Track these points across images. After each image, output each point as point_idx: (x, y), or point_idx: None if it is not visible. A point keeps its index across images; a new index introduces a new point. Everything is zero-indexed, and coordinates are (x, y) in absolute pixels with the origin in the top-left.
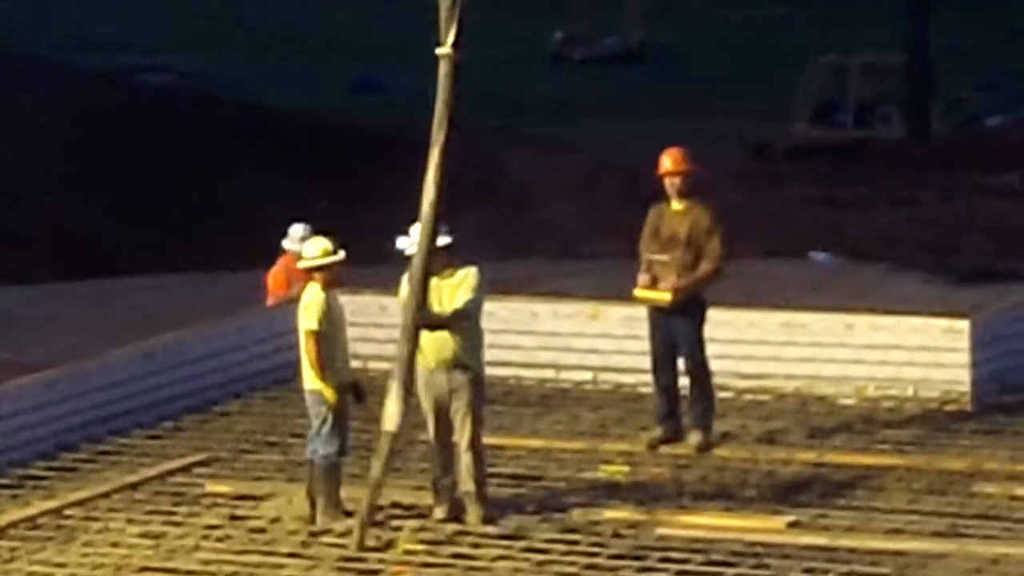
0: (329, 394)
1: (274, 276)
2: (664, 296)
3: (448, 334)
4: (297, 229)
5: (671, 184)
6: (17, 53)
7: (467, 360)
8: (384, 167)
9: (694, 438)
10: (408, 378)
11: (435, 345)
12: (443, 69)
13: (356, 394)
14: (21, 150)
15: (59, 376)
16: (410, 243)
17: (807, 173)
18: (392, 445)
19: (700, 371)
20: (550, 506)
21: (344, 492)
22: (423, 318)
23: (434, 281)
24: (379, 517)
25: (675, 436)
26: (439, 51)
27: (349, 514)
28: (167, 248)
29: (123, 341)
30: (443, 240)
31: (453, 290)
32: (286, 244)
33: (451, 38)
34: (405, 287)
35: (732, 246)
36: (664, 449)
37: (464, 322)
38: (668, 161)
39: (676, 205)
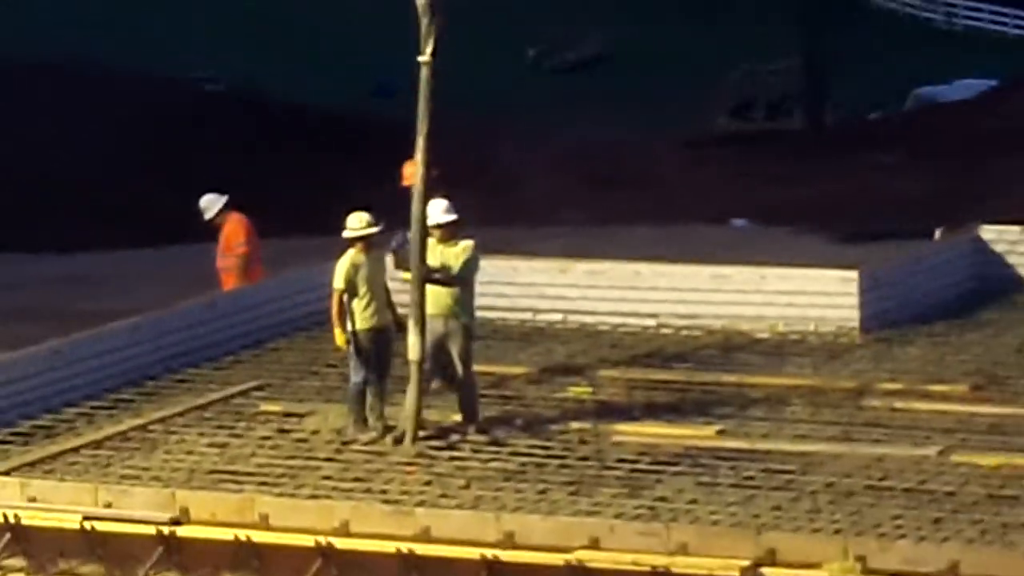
0: (340, 339)
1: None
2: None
3: (446, 290)
4: (205, 199)
5: None
6: (107, 64)
7: (459, 311)
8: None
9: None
10: (420, 316)
11: (433, 298)
12: (423, 74)
13: (398, 328)
14: (107, 142)
15: (141, 322)
16: (434, 214)
17: (728, 156)
18: (419, 371)
19: None
20: (530, 420)
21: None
22: (425, 272)
23: (441, 247)
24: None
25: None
26: (420, 59)
27: (389, 428)
28: None
29: (188, 294)
30: (451, 216)
31: (455, 257)
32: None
33: (429, 48)
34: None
35: None
36: (620, 372)
37: (457, 282)
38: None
39: None
